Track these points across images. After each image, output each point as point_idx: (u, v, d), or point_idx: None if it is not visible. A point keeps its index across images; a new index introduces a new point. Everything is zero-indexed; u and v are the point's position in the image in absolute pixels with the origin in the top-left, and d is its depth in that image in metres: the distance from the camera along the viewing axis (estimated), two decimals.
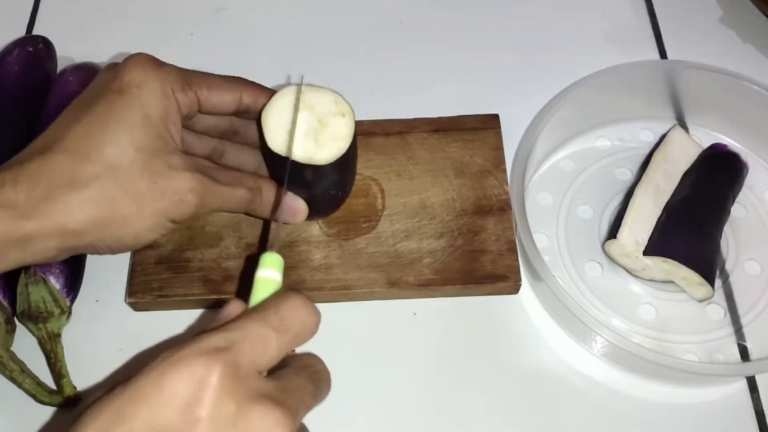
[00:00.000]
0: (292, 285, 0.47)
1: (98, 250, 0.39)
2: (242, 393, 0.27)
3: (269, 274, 0.31)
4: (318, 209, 0.46)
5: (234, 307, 0.32)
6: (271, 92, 0.42)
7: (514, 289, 0.48)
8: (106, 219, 0.37)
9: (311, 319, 0.30)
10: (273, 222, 0.42)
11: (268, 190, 0.43)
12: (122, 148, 0.37)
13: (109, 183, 0.37)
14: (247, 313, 0.30)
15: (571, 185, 0.53)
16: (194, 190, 0.38)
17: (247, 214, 0.45)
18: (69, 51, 0.61)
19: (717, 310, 0.48)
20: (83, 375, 0.47)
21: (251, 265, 0.33)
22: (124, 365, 0.47)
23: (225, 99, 0.41)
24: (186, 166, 0.38)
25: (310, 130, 0.40)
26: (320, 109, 0.41)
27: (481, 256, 0.47)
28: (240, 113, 0.43)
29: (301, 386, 0.30)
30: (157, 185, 0.37)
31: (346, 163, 0.42)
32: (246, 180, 0.42)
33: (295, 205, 0.44)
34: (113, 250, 0.40)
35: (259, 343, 0.28)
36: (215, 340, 0.28)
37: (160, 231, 0.39)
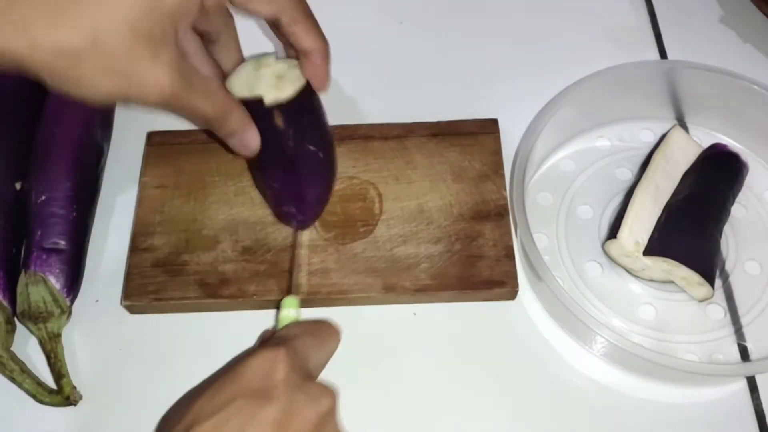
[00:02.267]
0: (288, 289, 0.47)
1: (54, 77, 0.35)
2: (302, 370, 0.36)
3: (289, 312, 0.43)
4: (306, 181, 0.46)
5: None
6: (317, 32, 0.45)
7: (511, 295, 0.48)
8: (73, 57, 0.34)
9: (336, 336, 0.41)
10: (294, 270, 0.48)
11: (237, 120, 0.41)
12: (116, 25, 0.34)
13: (90, 54, 0.34)
14: (294, 325, 0.41)
15: (571, 185, 0.53)
16: (162, 91, 0.36)
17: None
18: None
19: (717, 310, 0.48)
20: (83, 375, 0.47)
21: None
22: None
23: (262, 10, 0.43)
24: (169, 63, 0.36)
25: (271, 81, 0.43)
26: (277, 67, 0.44)
27: (478, 262, 0.47)
28: (271, 24, 0.44)
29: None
30: (130, 68, 0.35)
31: (313, 108, 0.44)
32: (217, 97, 0.40)
33: (247, 137, 0.42)
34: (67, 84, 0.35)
35: (306, 343, 0.38)
36: (274, 339, 0.39)
37: (114, 99, 0.37)
